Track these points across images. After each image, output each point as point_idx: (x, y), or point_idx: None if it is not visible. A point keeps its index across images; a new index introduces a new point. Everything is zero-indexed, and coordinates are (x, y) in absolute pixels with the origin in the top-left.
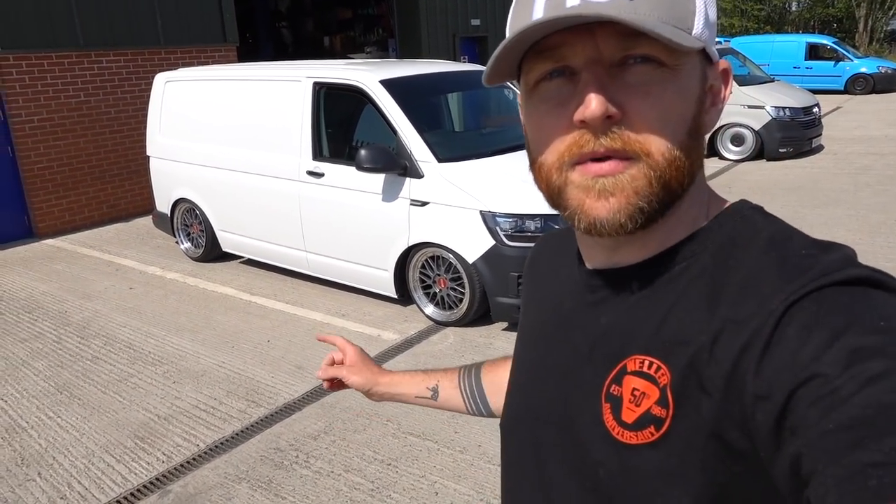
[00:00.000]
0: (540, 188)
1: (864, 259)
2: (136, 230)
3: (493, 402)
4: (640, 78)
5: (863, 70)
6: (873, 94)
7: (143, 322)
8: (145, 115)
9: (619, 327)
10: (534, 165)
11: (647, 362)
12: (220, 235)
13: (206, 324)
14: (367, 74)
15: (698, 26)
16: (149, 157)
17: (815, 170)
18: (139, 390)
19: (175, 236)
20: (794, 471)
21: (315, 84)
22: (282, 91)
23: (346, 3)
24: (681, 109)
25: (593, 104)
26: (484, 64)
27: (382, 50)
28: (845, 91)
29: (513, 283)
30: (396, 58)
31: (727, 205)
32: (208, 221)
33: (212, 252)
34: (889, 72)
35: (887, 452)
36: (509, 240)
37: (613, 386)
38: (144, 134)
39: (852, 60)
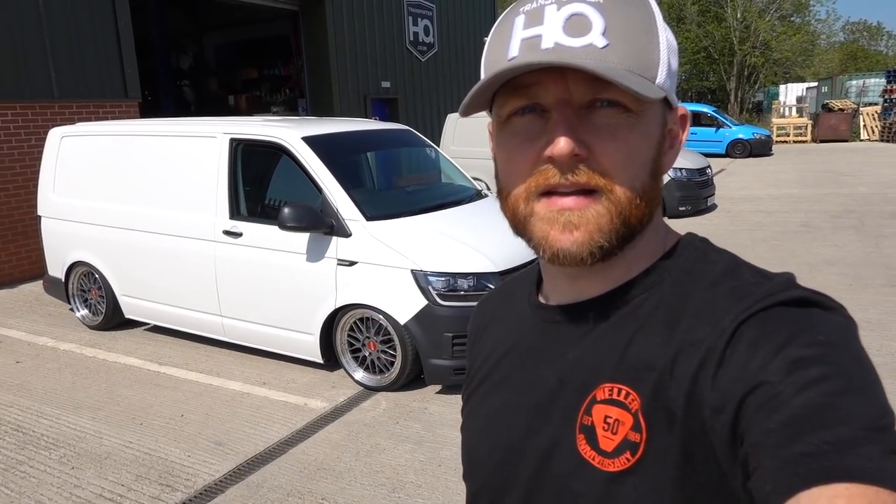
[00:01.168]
0: (506, 216)
1: None
2: (22, 297)
3: None
4: (607, 121)
5: (740, 136)
6: (750, 158)
7: (34, 400)
8: (34, 172)
9: (587, 358)
10: (501, 194)
11: (615, 389)
12: (122, 301)
13: (109, 399)
14: (288, 131)
15: (661, 76)
16: (40, 217)
17: (713, 227)
18: (30, 479)
19: (70, 303)
20: (746, 474)
21: (232, 140)
22: (196, 147)
23: (251, 63)
24: (644, 152)
25: (561, 143)
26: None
27: (291, 110)
28: (726, 154)
29: (447, 343)
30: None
31: (679, 238)
32: (109, 286)
33: (112, 319)
34: (763, 138)
35: (818, 444)
36: (442, 299)
37: (585, 417)
38: (33, 192)
39: (731, 127)
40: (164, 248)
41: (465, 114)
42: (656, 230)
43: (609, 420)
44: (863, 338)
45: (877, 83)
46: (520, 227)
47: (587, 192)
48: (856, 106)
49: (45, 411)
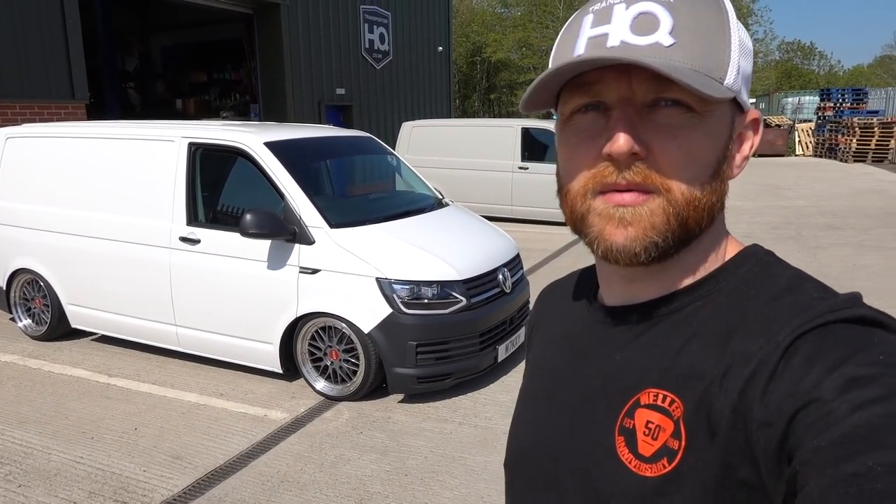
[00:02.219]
0: (564, 213)
1: None
2: None
3: None
4: (669, 120)
5: None
6: None
7: None
8: None
9: (634, 362)
10: (561, 192)
11: (660, 395)
12: (69, 310)
13: (57, 413)
14: (250, 136)
15: (731, 76)
16: None
17: None
18: None
19: (11, 312)
20: (791, 490)
21: (191, 144)
22: (152, 151)
23: (200, 66)
24: (706, 153)
25: (620, 140)
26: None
27: (242, 115)
28: None
29: (411, 352)
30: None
31: (743, 247)
32: (55, 294)
33: (58, 329)
34: None
35: (871, 466)
36: (407, 307)
37: (626, 419)
38: None
39: None
40: (116, 255)
41: (527, 109)
42: (717, 236)
43: (651, 425)
44: None
45: (811, 101)
46: (578, 223)
47: (645, 190)
48: (791, 122)
49: None
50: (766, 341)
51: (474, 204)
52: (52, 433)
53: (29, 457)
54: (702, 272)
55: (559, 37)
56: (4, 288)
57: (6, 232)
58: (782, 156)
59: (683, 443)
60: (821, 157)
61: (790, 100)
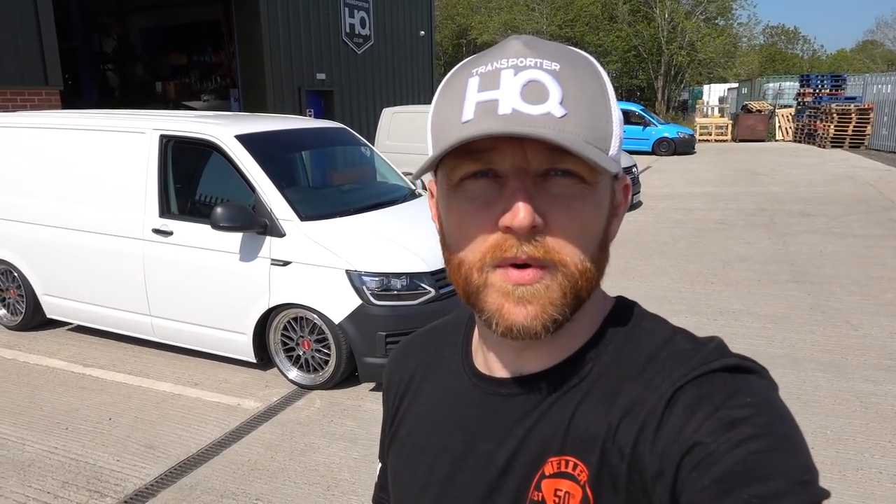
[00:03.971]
0: (456, 283)
1: (689, 305)
2: None
3: None
4: (563, 191)
5: (666, 135)
6: (675, 156)
7: None
8: None
9: (535, 434)
10: (451, 260)
11: (563, 462)
12: (43, 300)
13: (31, 403)
14: (220, 129)
15: (614, 147)
16: None
17: (637, 224)
18: None
19: None
20: None
21: (162, 137)
22: (124, 143)
23: (180, 48)
24: (595, 223)
25: (521, 213)
26: (330, 118)
27: (222, 99)
28: (652, 152)
29: (381, 342)
30: (239, 108)
31: (613, 303)
32: (29, 285)
33: (33, 319)
34: (686, 137)
35: (747, 499)
36: (376, 298)
37: (535, 492)
38: None
39: (657, 126)
40: (91, 246)
41: (418, 178)
42: (597, 298)
43: (559, 493)
44: (767, 331)
45: (791, 86)
46: (472, 297)
47: (542, 265)
48: (772, 107)
49: None
50: (650, 394)
51: None
52: (26, 424)
53: (3, 447)
54: (587, 335)
55: (438, 97)
56: None
57: None
58: (763, 141)
59: None
60: (800, 142)
61: (771, 85)
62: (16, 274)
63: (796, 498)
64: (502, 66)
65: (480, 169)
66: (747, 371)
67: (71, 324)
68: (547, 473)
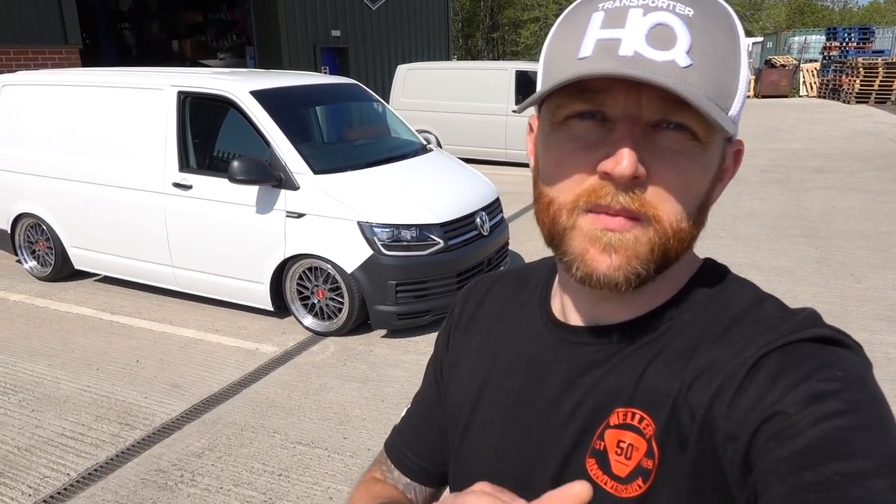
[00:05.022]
0: (541, 223)
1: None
2: None
3: None
4: (672, 145)
5: None
6: None
7: None
8: None
9: (603, 384)
10: (541, 198)
11: (629, 414)
12: (71, 252)
13: (64, 347)
14: (236, 84)
15: (736, 107)
16: None
17: None
18: None
19: (17, 255)
20: (752, 498)
21: (180, 93)
22: (143, 99)
23: (196, 6)
24: (700, 185)
25: (625, 162)
26: (345, 75)
27: (238, 57)
28: None
29: (391, 291)
30: (255, 66)
31: (701, 263)
32: (58, 237)
33: (62, 270)
34: None
35: (829, 476)
36: (387, 249)
37: (597, 441)
38: None
39: None
40: (114, 200)
41: (521, 110)
42: (686, 260)
43: (623, 444)
44: (770, 283)
45: (817, 40)
46: (556, 237)
47: (634, 217)
48: (797, 62)
49: (0, 359)
50: (731, 357)
51: (469, 147)
52: (60, 365)
53: (40, 386)
54: (669, 293)
55: (556, 27)
56: (9, 232)
57: (9, 178)
58: (786, 97)
59: (657, 461)
60: (824, 98)
61: (796, 39)
62: (44, 227)
63: (884, 480)
64: (632, 4)
65: (589, 110)
66: (840, 344)
67: (98, 275)
68: (612, 424)
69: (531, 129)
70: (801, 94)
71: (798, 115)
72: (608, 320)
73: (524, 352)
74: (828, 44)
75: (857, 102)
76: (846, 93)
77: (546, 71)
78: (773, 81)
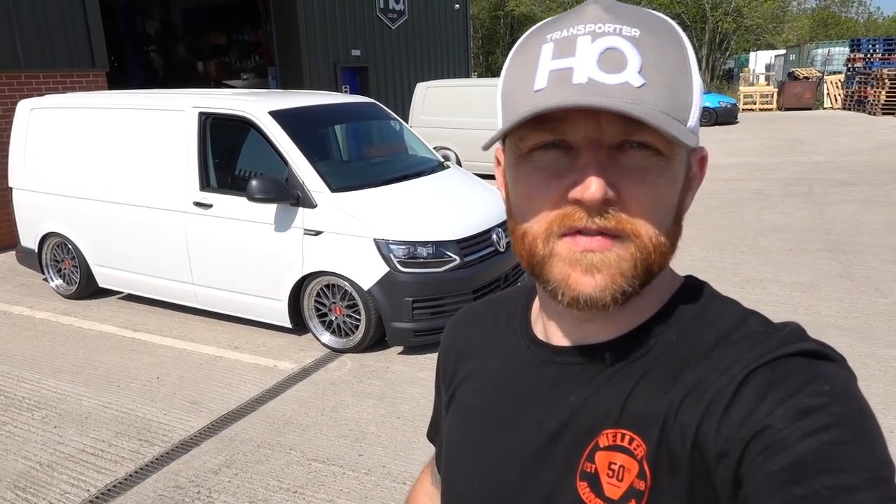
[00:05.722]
0: (520, 255)
1: (715, 274)
2: None
3: None
4: (637, 163)
5: (707, 104)
6: (716, 126)
7: (13, 366)
8: (3, 143)
9: (590, 404)
10: (516, 231)
11: (619, 435)
12: (96, 271)
13: (87, 364)
14: (255, 105)
15: (693, 119)
16: (11, 188)
17: None
18: (15, 438)
19: (44, 273)
20: None
21: (201, 114)
22: (165, 120)
23: (220, 28)
24: (670, 196)
25: (593, 187)
26: (365, 93)
27: (261, 77)
28: None
29: (407, 308)
30: (277, 86)
31: (682, 281)
32: (83, 256)
33: (87, 289)
34: (728, 106)
35: (818, 489)
36: (403, 266)
37: (587, 464)
38: (3, 163)
39: None
40: (137, 220)
41: (487, 148)
42: (666, 274)
43: (614, 466)
44: (793, 298)
45: (841, 52)
46: (536, 267)
47: (613, 235)
48: (820, 74)
49: (26, 376)
50: (719, 374)
51: (489, 163)
52: (83, 382)
53: (63, 402)
54: (652, 310)
55: (509, 62)
56: (36, 251)
57: (36, 198)
58: (810, 109)
59: (650, 482)
60: (849, 110)
61: (820, 51)
62: (70, 246)
63: (871, 493)
64: (579, 33)
65: (552, 140)
66: (826, 358)
67: (121, 293)
68: (601, 445)
69: (498, 162)
70: (824, 106)
71: (822, 128)
72: (592, 339)
73: (507, 374)
74: (852, 55)
75: (883, 114)
76: (871, 104)
77: (505, 105)
78: (797, 94)
